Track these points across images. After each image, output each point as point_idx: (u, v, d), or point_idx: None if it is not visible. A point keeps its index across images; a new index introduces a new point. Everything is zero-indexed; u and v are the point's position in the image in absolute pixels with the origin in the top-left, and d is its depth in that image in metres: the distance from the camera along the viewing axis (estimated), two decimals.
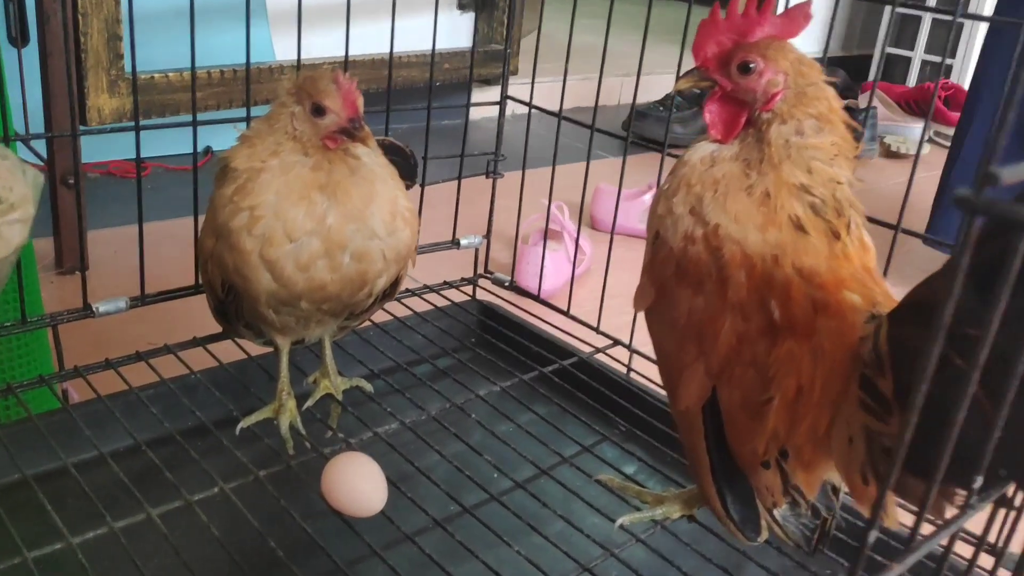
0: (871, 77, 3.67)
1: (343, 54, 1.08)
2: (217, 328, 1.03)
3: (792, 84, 0.69)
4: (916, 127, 3.11)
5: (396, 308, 1.11)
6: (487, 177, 1.21)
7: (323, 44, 2.06)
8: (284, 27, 2.25)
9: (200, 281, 1.02)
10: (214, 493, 0.79)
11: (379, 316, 1.08)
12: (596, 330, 1.13)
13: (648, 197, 2.04)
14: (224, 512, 0.78)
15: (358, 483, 0.76)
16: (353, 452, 0.80)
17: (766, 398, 0.68)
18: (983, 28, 3.38)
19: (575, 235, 1.80)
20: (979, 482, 0.48)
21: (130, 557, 0.71)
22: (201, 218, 0.91)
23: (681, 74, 0.75)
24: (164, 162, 2.12)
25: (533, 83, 1.16)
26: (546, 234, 1.42)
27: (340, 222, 0.78)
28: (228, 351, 1.01)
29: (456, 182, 1.19)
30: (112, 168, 2.10)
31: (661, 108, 2.86)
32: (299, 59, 1.06)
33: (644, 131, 2.75)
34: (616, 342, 1.12)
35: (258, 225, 0.77)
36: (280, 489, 0.80)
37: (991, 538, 0.67)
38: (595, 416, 1.00)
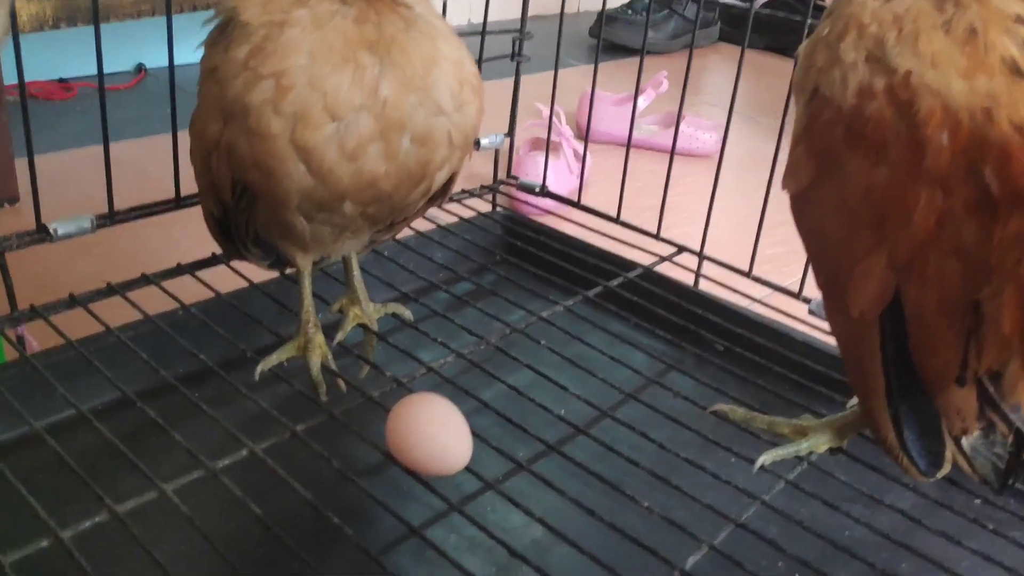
0: None
1: None
2: (205, 252, 0.83)
3: None
4: None
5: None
6: (511, 60, 1.01)
7: None
8: None
9: (181, 191, 0.81)
10: (242, 457, 0.61)
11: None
12: (657, 237, 0.96)
13: (642, 100, 1.87)
14: (260, 480, 0.59)
15: (439, 433, 0.59)
16: (423, 394, 0.62)
17: (988, 291, 0.52)
18: None
19: (573, 143, 1.63)
20: None
21: (144, 549, 0.52)
22: (183, 135, 0.70)
23: None
24: (93, 81, 1.85)
25: None
26: (549, 143, 1.25)
27: (398, 92, 0.58)
28: (223, 278, 0.82)
29: None
30: (33, 90, 1.83)
31: (630, 11, 2.68)
32: None
33: (613, 36, 2.57)
34: (682, 248, 0.95)
35: (287, 98, 0.57)
36: (327, 445, 0.62)
37: None
38: (676, 334, 0.84)
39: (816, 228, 0.60)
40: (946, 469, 0.60)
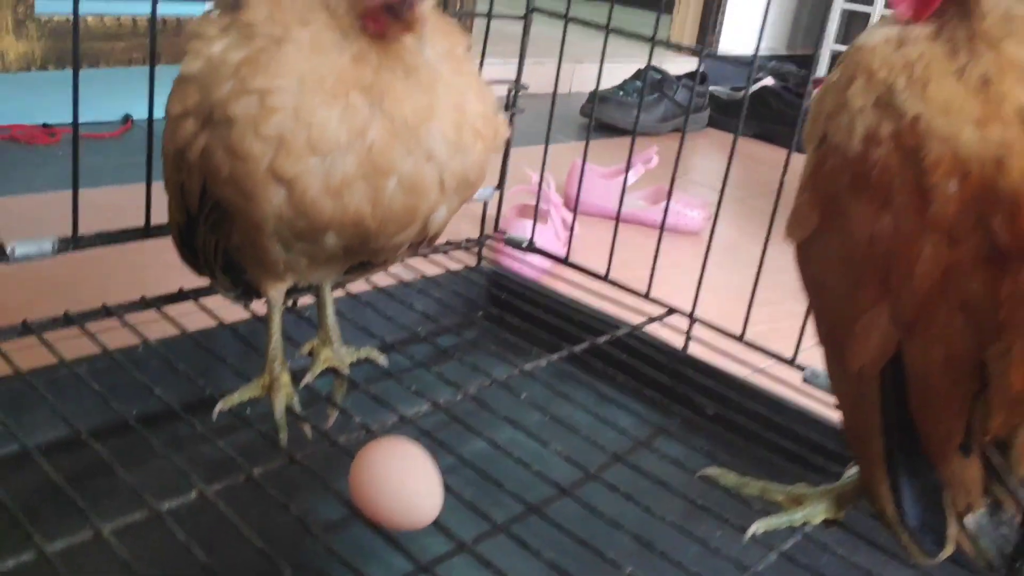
0: (816, 74, 3.59)
1: None
2: (172, 287, 0.79)
3: None
4: None
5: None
6: (505, 111, 1.00)
7: None
8: None
9: (152, 220, 0.78)
10: (191, 499, 0.56)
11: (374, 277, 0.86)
12: (647, 296, 0.93)
13: (630, 175, 1.86)
14: (208, 525, 0.54)
15: (406, 483, 0.54)
16: (392, 439, 0.58)
17: (996, 350, 0.49)
18: None
19: (562, 211, 1.61)
20: None
21: None
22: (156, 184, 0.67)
23: (678, 80, 0.57)
24: (80, 129, 1.84)
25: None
26: (536, 210, 1.23)
27: (386, 139, 0.55)
28: (190, 315, 0.77)
29: None
30: (16, 133, 1.81)
31: (621, 92, 2.71)
32: None
33: (604, 116, 2.60)
34: (672, 310, 0.92)
35: (270, 120, 0.54)
36: (284, 492, 0.57)
37: None
38: (661, 394, 0.80)
39: (819, 279, 0.57)
40: (949, 550, 0.56)
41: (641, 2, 3.29)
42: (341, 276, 0.72)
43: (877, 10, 3.41)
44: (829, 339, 0.57)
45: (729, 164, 0.86)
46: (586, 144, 1.03)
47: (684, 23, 3.67)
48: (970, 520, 0.56)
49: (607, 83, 2.74)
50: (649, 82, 2.77)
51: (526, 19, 1.00)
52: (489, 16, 0.96)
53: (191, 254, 0.69)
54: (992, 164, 0.50)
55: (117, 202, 0.76)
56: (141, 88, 0.76)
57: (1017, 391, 0.48)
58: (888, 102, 0.52)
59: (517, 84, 0.99)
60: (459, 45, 0.61)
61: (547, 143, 1.03)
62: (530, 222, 1.37)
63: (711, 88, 2.76)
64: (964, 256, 0.50)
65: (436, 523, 0.56)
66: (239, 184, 0.55)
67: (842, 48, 3.56)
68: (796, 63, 3.57)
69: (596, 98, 1.22)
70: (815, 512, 0.62)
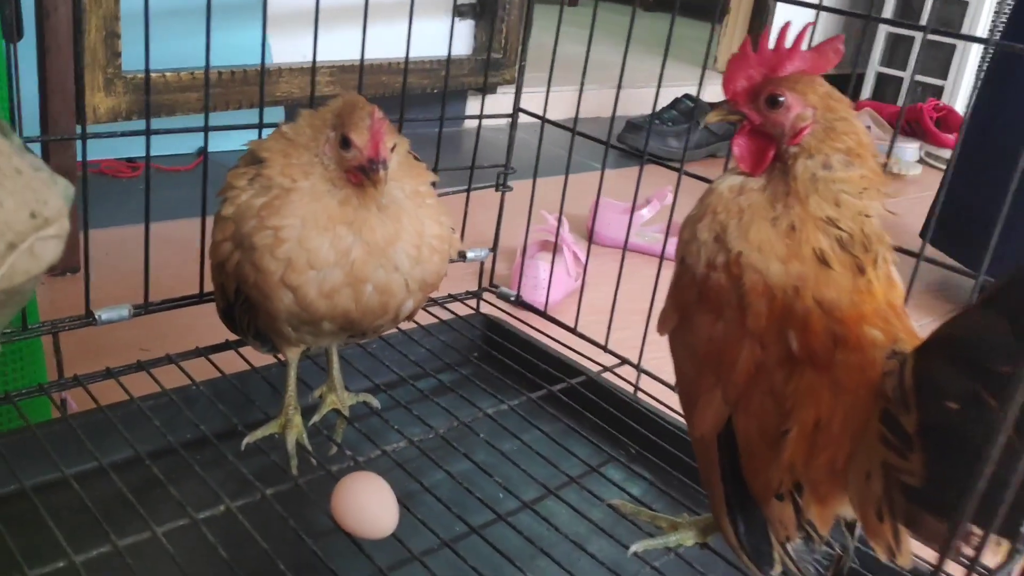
0: (863, 96, 3.69)
1: (340, 59, 1.07)
2: (219, 338, 1.01)
3: (821, 119, 0.68)
4: (908, 147, 3.13)
5: None
6: (496, 191, 1.20)
7: (322, 47, 2.04)
8: (281, 29, 2.23)
9: (204, 288, 1.00)
10: (220, 511, 0.77)
11: None
12: (604, 348, 1.12)
13: (646, 211, 2.04)
14: (230, 531, 0.76)
15: (370, 505, 0.75)
16: (364, 472, 0.79)
17: (784, 429, 0.67)
18: (975, 50, 3.41)
19: (574, 248, 1.79)
20: None
21: (132, 572, 0.69)
22: (209, 220, 0.89)
23: (712, 107, 0.75)
24: (159, 163, 2.10)
25: (547, 97, 1.15)
26: (556, 248, 1.42)
27: (363, 258, 0.77)
28: (231, 361, 1.00)
29: (463, 193, 1.18)
30: (104, 167, 2.07)
31: (657, 120, 2.86)
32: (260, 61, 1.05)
33: (637, 143, 2.76)
34: (624, 361, 1.11)
35: (282, 248, 0.76)
36: (288, 508, 0.79)
37: None
38: (602, 436, 1.00)
39: (678, 364, 0.75)
40: (778, 569, 0.74)
41: (695, 12, 3.42)
42: (343, 342, 0.94)
43: (919, 35, 3.50)
44: (684, 409, 0.75)
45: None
46: (601, 175, 1.14)
47: (731, 43, 3.80)
48: (791, 547, 0.73)
49: (646, 109, 2.90)
50: (682, 110, 2.92)
51: (513, 117, 1.20)
52: (480, 117, 1.16)
53: (231, 323, 0.91)
54: (792, 291, 0.68)
55: (192, 237, 0.97)
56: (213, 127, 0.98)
57: (786, 460, 0.66)
58: (723, 238, 0.71)
59: (507, 166, 1.19)
60: (423, 184, 0.82)
61: (566, 178, 1.14)
62: (543, 261, 1.57)
63: None
64: (770, 357, 0.68)
65: (397, 537, 0.77)
66: (260, 288, 0.78)
67: (886, 71, 3.66)
68: (840, 84, 3.66)
69: (612, 122, 1.34)
70: (686, 536, 0.80)
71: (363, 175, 0.75)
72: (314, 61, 1.02)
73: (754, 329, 0.69)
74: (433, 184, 0.84)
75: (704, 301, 0.72)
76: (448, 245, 0.83)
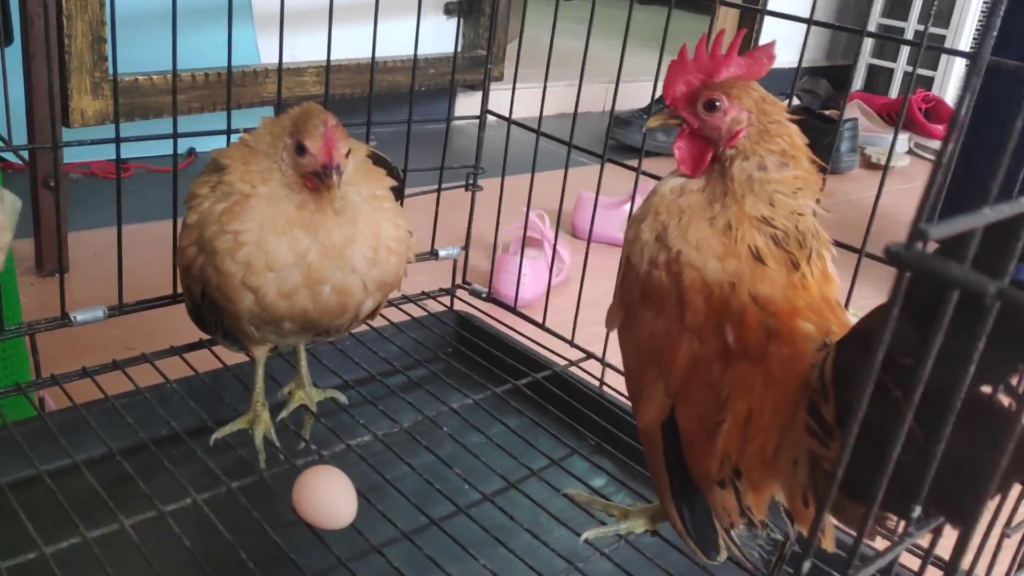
0: (855, 87, 3.70)
1: (336, 58, 1.10)
2: (193, 337, 1.04)
3: (756, 122, 0.71)
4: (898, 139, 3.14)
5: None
6: (466, 191, 1.22)
7: (308, 48, 2.07)
8: (270, 29, 2.26)
9: (177, 289, 1.03)
10: (187, 504, 0.80)
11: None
12: (571, 343, 1.15)
13: (628, 207, 2.06)
14: (196, 523, 0.79)
15: (329, 497, 0.78)
16: (325, 466, 0.82)
17: (720, 419, 0.70)
18: (965, 42, 3.43)
19: (554, 243, 1.82)
20: (917, 511, 0.50)
21: (102, 567, 0.72)
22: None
23: (651, 113, 0.77)
24: (147, 163, 2.13)
25: (513, 98, 1.18)
26: (524, 243, 1.44)
27: (320, 260, 0.80)
28: (204, 360, 1.02)
29: (435, 192, 1.20)
30: (95, 168, 2.10)
31: (645, 116, 2.88)
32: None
33: (627, 139, 2.78)
34: (589, 355, 1.14)
35: (241, 251, 0.79)
36: (252, 500, 0.82)
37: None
38: (566, 429, 1.02)
39: (625, 359, 0.78)
40: (724, 555, 0.77)
41: (687, 4, 3.42)
42: (310, 341, 0.97)
43: (911, 26, 3.51)
44: (631, 402, 0.78)
45: None
46: (599, 180, 1.16)
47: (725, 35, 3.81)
48: (734, 533, 0.76)
49: (638, 103, 2.92)
50: None
51: (481, 119, 1.22)
52: (448, 120, 1.18)
53: (200, 323, 0.94)
54: (728, 287, 0.70)
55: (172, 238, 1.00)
56: (203, 127, 1.02)
57: (720, 448, 0.69)
58: (664, 237, 0.73)
59: (476, 166, 1.21)
60: (380, 188, 0.85)
61: (532, 176, 1.18)
62: (528, 256, 1.59)
63: None
64: (708, 351, 0.71)
65: (357, 528, 0.80)
66: (223, 290, 0.81)
67: (878, 63, 3.67)
68: (833, 76, 3.68)
69: (612, 119, 1.36)
70: (635, 524, 0.83)
71: (318, 180, 0.77)
72: (327, 61, 1.04)
73: (692, 324, 0.71)
74: (394, 188, 0.87)
75: (647, 298, 0.74)
76: (406, 247, 0.86)
